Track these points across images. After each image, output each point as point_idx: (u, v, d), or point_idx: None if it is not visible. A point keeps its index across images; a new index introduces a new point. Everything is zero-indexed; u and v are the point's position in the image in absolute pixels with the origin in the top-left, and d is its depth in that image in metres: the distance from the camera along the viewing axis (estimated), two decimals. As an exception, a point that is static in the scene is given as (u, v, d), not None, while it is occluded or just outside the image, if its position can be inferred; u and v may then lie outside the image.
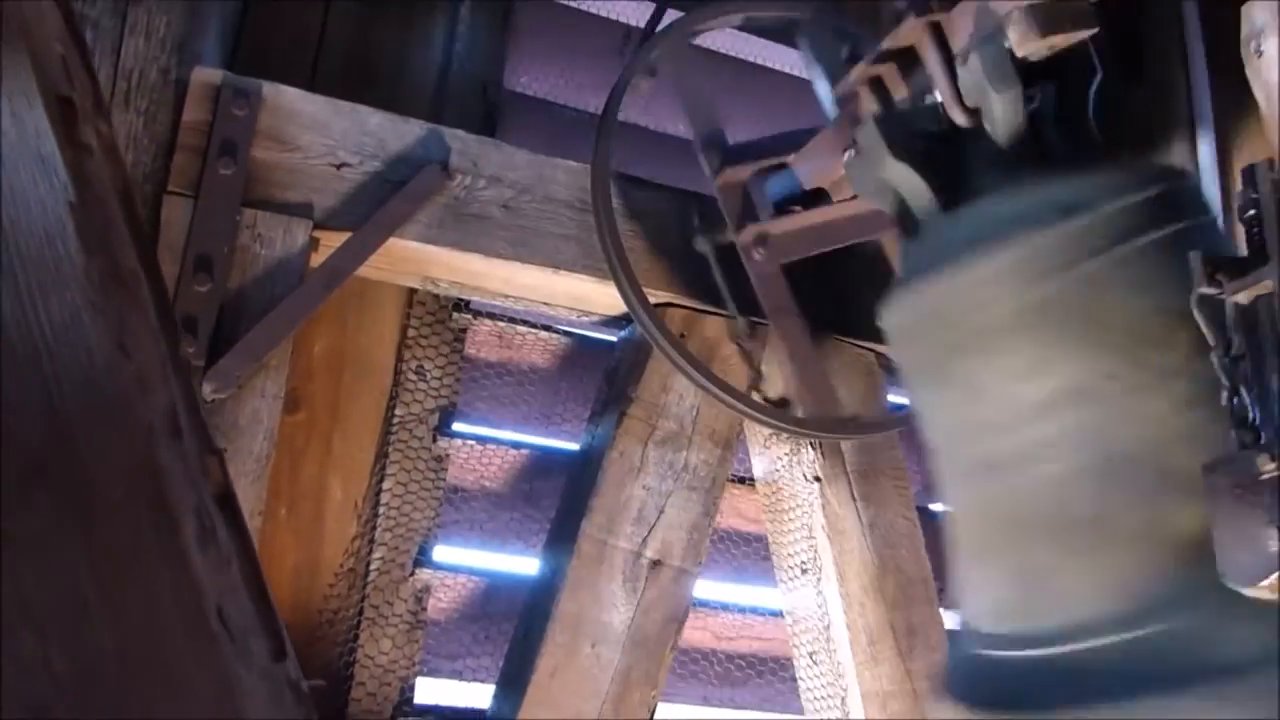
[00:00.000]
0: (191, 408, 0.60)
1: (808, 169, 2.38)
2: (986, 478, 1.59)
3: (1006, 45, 1.64)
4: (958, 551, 1.68)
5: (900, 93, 2.03)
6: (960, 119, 1.75)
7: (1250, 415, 1.26)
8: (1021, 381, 1.53)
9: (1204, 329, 1.30)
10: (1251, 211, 1.25)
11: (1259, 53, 1.17)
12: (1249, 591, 1.21)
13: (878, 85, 2.05)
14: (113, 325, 0.56)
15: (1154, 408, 1.45)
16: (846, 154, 1.94)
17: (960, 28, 1.86)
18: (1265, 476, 1.15)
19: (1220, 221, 1.77)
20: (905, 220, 1.84)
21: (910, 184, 1.78)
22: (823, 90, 2.42)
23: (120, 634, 0.50)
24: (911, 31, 1.92)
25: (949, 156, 1.78)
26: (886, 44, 2.02)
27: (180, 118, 2.13)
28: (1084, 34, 1.53)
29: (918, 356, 1.77)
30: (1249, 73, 1.21)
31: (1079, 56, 1.64)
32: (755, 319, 2.44)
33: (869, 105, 2.00)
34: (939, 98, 1.83)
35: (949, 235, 1.66)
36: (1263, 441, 1.23)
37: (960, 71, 1.76)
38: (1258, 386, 1.24)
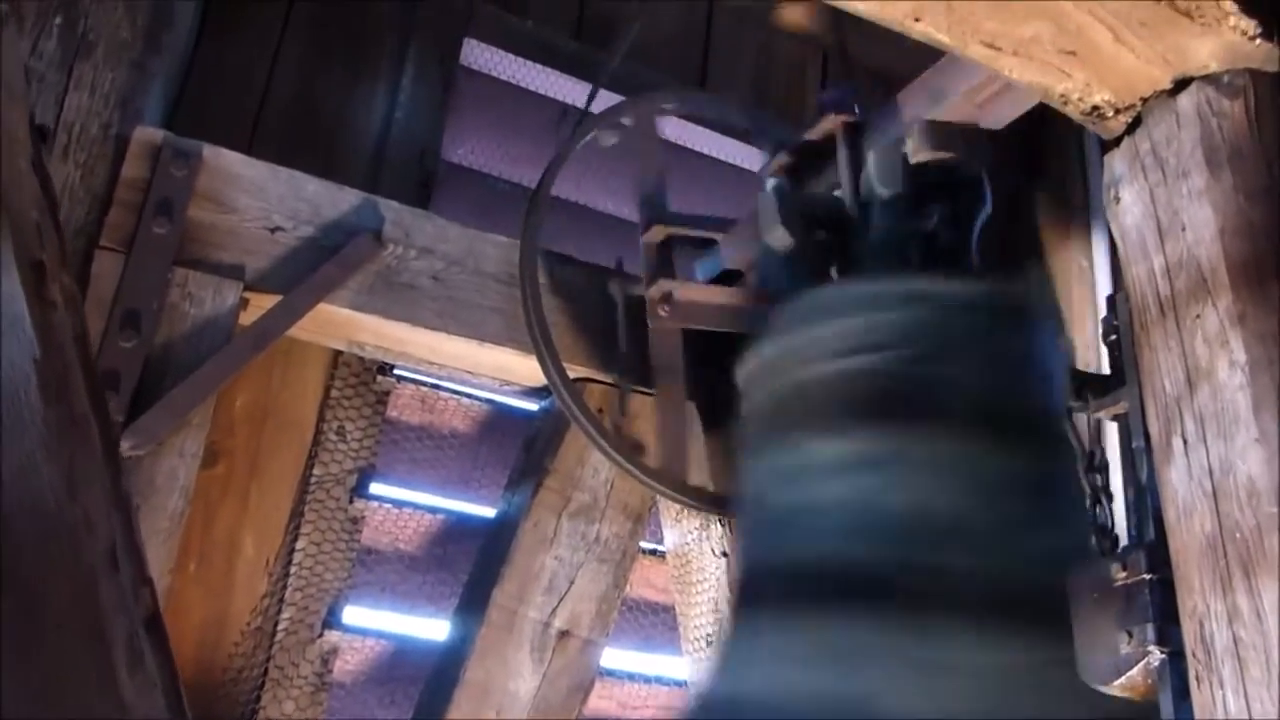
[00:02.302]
0: (130, 539, 0.66)
1: (731, 250, 2.50)
2: (772, 528, 1.70)
3: (904, 151, 1.80)
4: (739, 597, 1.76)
5: (817, 184, 2.17)
6: (850, 205, 1.88)
7: (1109, 524, 1.36)
8: (820, 439, 1.66)
9: (1071, 440, 1.41)
10: (1113, 337, 1.37)
11: (1117, 199, 1.30)
12: (1104, 689, 1.30)
13: (793, 173, 2.19)
14: (64, 468, 0.62)
15: (925, 485, 1.56)
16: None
17: (873, 131, 2.03)
18: (1118, 583, 1.25)
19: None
20: (780, 289, 1.98)
21: (786, 249, 1.90)
22: None
23: (56, 748, 0.55)
24: (827, 128, 2.08)
25: (840, 244, 1.92)
26: (806, 136, 2.17)
27: (118, 173, 2.17)
28: (974, 159, 1.67)
29: (752, 407, 1.89)
30: (1108, 216, 1.34)
31: (974, 185, 1.78)
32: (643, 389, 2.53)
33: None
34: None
35: (808, 304, 1.80)
36: (1118, 550, 1.34)
37: (864, 170, 1.91)
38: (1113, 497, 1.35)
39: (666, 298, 2.43)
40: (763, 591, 1.68)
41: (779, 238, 1.90)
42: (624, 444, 2.42)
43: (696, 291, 2.47)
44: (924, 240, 1.79)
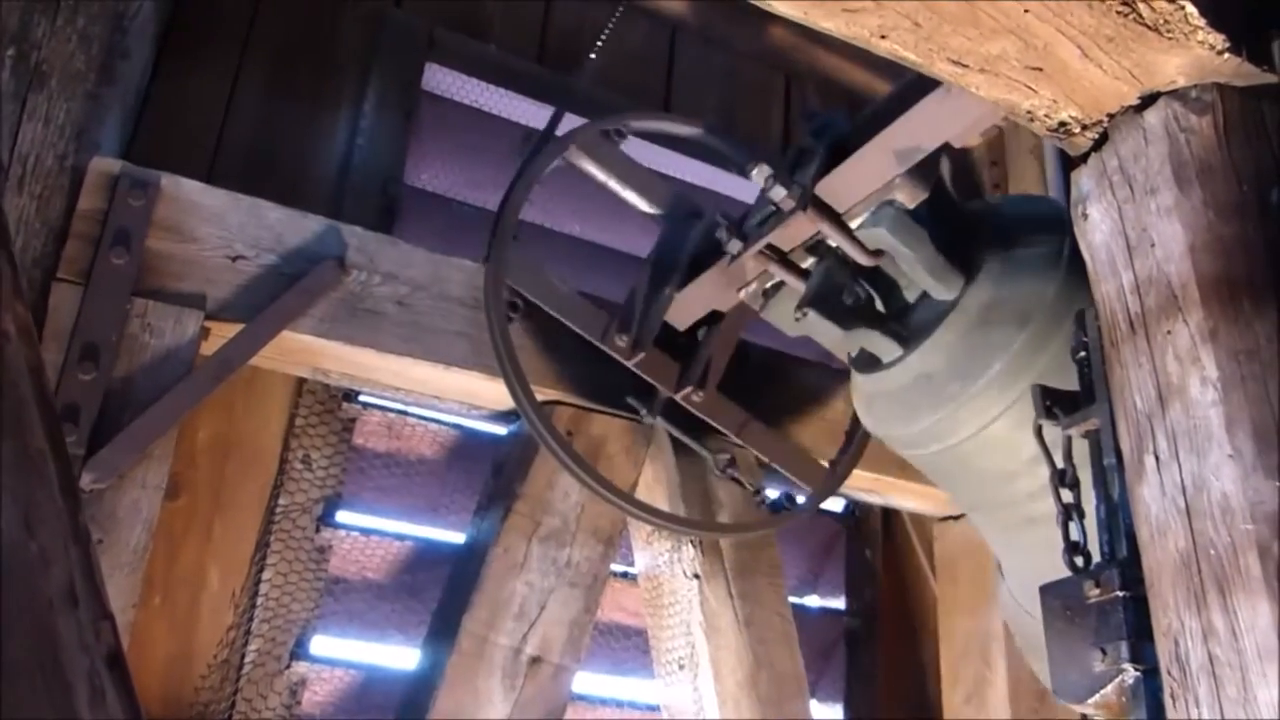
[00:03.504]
0: (89, 575, 0.64)
1: (698, 296, 2.41)
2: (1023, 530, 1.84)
3: (898, 205, 1.82)
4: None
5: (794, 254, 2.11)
6: (866, 260, 1.91)
7: (1081, 541, 1.36)
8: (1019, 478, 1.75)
9: (1043, 457, 1.41)
10: (1082, 354, 1.37)
11: (1085, 216, 1.30)
12: (1079, 708, 1.30)
13: (775, 252, 2.09)
14: (21, 505, 0.60)
15: None
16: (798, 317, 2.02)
17: (840, 192, 1.92)
18: (1091, 601, 1.25)
19: None
20: (862, 360, 2.05)
21: (870, 342, 1.99)
22: None
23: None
24: (801, 225, 1.97)
25: (871, 300, 2.01)
26: (773, 240, 2.06)
27: (74, 204, 2.13)
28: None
29: (928, 462, 2.03)
30: (1076, 232, 1.34)
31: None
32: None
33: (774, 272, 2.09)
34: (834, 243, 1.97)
35: (917, 366, 1.91)
36: (1091, 567, 1.34)
37: (853, 225, 1.91)
38: (1087, 513, 1.35)
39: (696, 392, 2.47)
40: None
41: (856, 338, 2.00)
42: (592, 466, 2.40)
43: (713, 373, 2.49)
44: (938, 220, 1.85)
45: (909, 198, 1.78)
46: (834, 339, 1.99)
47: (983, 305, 1.84)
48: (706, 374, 2.46)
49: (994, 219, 2.00)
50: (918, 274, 1.86)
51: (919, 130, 1.73)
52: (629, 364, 2.43)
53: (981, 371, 1.76)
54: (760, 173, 1.92)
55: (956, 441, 1.85)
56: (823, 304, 1.94)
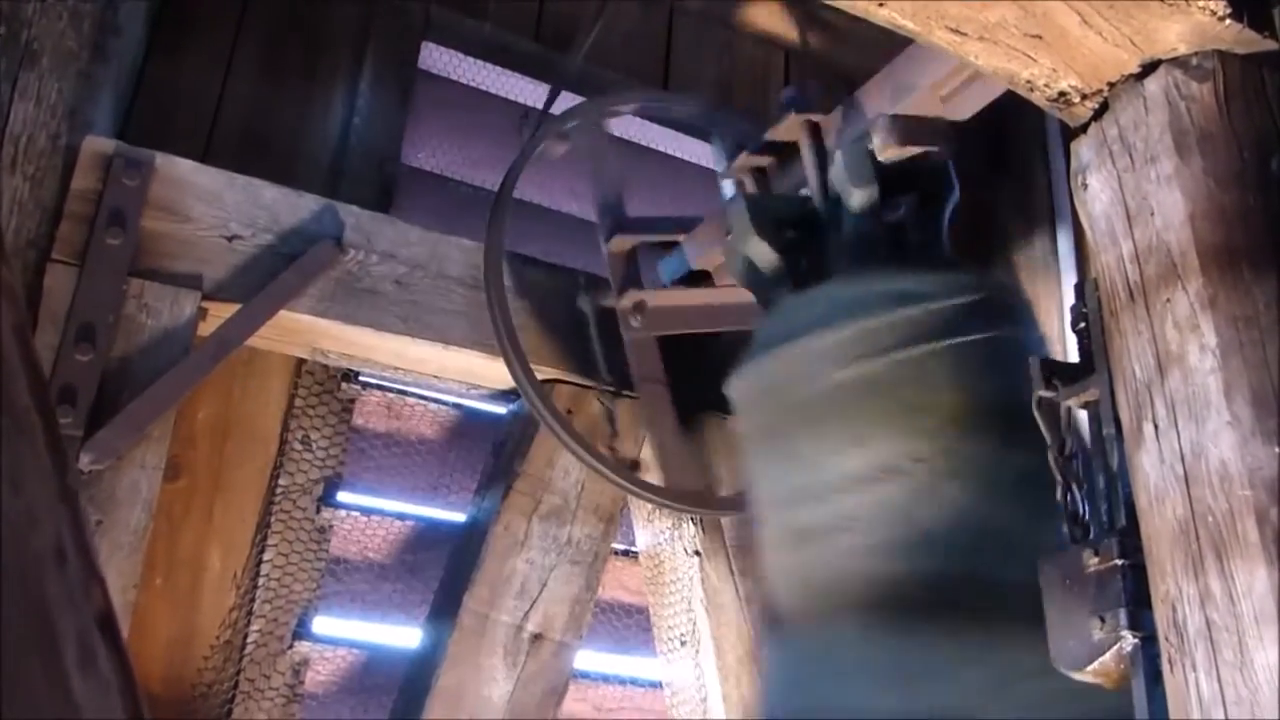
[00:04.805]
0: (78, 535, 0.64)
1: (695, 250, 2.49)
2: (799, 546, 1.69)
3: (870, 148, 1.80)
4: (775, 615, 1.77)
5: (780, 183, 2.18)
6: (819, 204, 1.89)
7: (1080, 511, 1.36)
8: (836, 454, 1.64)
9: (1041, 428, 1.41)
10: (1082, 324, 1.37)
11: (1085, 186, 1.30)
12: (1077, 676, 1.30)
13: (758, 173, 2.20)
14: (5, 464, 0.60)
15: (953, 493, 1.57)
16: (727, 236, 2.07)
17: (835, 128, 2.03)
18: (1090, 570, 1.25)
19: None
20: (762, 297, 1.98)
21: (767, 261, 1.90)
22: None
23: (2, 754, 0.53)
24: (790, 127, 2.08)
25: (811, 243, 1.92)
26: (768, 136, 2.17)
27: (68, 184, 2.13)
28: (940, 149, 1.68)
29: (752, 424, 1.88)
30: (1076, 203, 1.34)
31: (941, 172, 1.79)
32: (627, 392, 2.53)
33: (748, 190, 2.15)
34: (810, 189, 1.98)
35: (796, 313, 1.79)
36: (1090, 536, 1.33)
37: (831, 168, 1.91)
38: (1087, 484, 1.35)
39: (639, 307, 2.43)
40: (806, 610, 1.66)
41: (757, 250, 1.90)
42: (593, 444, 2.40)
43: (667, 297, 2.47)
44: (893, 234, 1.79)
45: (881, 145, 1.76)
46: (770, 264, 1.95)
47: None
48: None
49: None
50: (850, 219, 1.84)
51: (911, 68, 1.74)
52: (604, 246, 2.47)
53: None
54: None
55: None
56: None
